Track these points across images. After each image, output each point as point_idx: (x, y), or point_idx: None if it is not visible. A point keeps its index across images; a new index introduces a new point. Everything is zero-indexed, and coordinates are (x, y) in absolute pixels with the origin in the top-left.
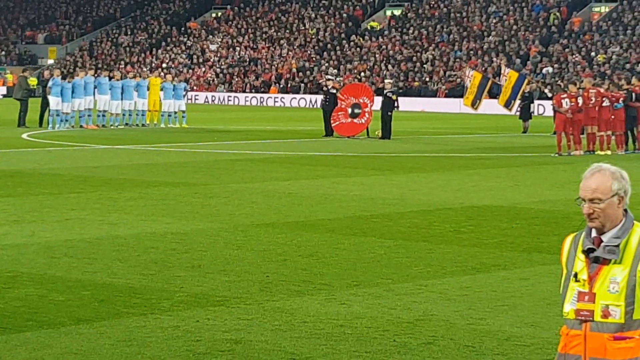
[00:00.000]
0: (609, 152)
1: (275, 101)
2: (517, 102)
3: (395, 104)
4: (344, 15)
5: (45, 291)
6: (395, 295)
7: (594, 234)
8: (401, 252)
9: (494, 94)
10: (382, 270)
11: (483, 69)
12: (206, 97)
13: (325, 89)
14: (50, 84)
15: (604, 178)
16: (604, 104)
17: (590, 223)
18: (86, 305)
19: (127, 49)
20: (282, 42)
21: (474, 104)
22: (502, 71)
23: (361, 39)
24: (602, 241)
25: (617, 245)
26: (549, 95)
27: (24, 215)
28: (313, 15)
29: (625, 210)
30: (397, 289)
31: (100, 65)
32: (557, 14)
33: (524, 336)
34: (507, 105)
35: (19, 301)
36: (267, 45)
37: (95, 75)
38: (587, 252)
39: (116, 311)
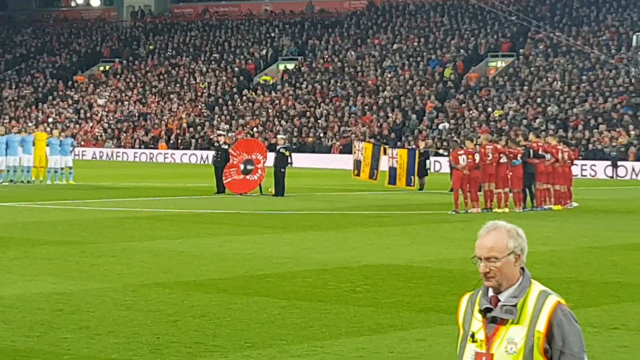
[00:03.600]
0: (506, 210)
1: (165, 157)
2: (417, 177)
3: (289, 160)
4: (236, 69)
5: None
6: (290, 357)
7: (490, 293)
8: (295, 312)
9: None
10: (276, 331)
11: (379, 124)
12: (94, 153)
13: (216, 144)
14: None
15: (499, 236)
16: (501, 161)
17: (487, 282)
18: None
19: (12, 103)
20: (172, 96)
21: (372, 176)
22: (391, 154)
23: (254, 93)
24: (499, 300)
25: (515, 305)
26: (445, 154)
27: None
28: (204, 69)
29: (522, 269)
30: (291, 350)
31: None
32: (453, 69)
33: None
34: (409, 184)
35: None
36: (156, 99)
37: None
38: (485, 311)
39: None
